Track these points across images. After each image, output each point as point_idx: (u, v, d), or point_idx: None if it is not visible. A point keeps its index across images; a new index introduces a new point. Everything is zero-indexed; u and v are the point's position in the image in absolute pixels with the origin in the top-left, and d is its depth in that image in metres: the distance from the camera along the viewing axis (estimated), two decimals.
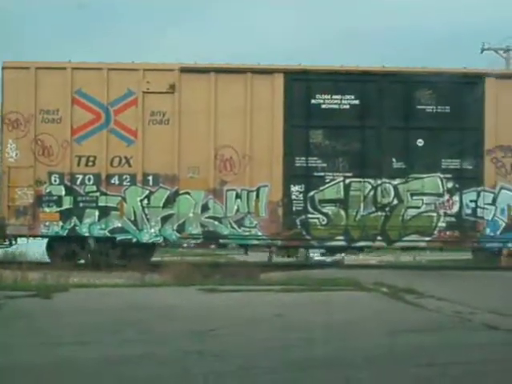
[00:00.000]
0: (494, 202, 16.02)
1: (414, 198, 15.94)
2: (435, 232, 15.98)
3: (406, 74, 16.05)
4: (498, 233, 16.08)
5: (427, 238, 16.07)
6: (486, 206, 16.01)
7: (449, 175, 15.95)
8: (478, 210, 16.02)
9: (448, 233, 16.02)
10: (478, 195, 15.99)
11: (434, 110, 15.95)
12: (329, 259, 27.78)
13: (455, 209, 15.99)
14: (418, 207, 15.95)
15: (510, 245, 16.44)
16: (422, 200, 15.95)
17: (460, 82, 16.05)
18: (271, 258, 20.17)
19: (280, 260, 19.97)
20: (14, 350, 6.67)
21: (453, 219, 15.99)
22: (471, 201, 16.01)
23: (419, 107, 15.94)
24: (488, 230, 16.06)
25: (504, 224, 16.05)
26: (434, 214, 15.97)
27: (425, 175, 15.94)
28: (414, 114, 15.93)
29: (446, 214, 15.97)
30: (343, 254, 31.83)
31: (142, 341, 7.06)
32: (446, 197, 15.98)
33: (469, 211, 16.02)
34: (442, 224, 15.97)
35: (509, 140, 16.07)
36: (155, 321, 8.19)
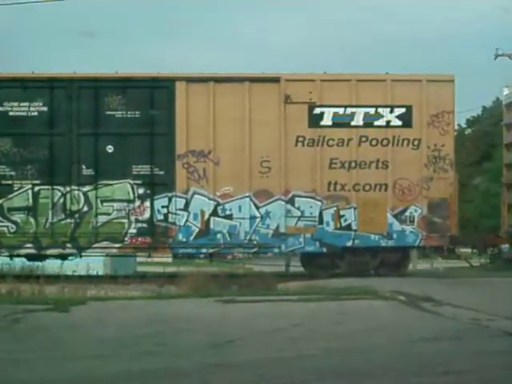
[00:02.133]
0: (186, 208, 15.90)
1: (105, 204, 15.85)
2: (126, 238, 15.90)
3: (95, 80, 15.92)
4: (191, 238, 15.96)
5: (118, 245, 15.99)
6: (178, 212, 15.89)
7: (139, 181, 15.84)
8: (170, 215, 15.91)
9: (140, 239, 15.94)
10: (170, 201, 15.88)
11: (124, 116, 15.83)
12: None
13: (146, 215, 15.89)
14: (109, 214, 15.86)
15: (204, 250, 16.30)
16: (113, 206, 15.86)
17: (151, 86, 15.92)
18: (288, 268, 20.12)
19: (297, 270, 19.91)
20: (31, 364, 6.65)
21: (144, 225, 15.90)
22: (163, 206, 15.90)
23: (109, 113, 15.83)
24: (180, 236, 15.94)
25: (197, 229, 15.93)
26: (125, 221, 15.88)
27: (115, 181, 15.84)
28: (104, 120, 15.82)
29: (137, 220, 15.88)
30: None
31: (161, 354, 7.07)
32: (137, 203, 15.88)
33: (161, 217, 15.92)
34: (132, 230, 15.89)
35: (201, 145, 15.92)
36: (173, 333, 8.18)
